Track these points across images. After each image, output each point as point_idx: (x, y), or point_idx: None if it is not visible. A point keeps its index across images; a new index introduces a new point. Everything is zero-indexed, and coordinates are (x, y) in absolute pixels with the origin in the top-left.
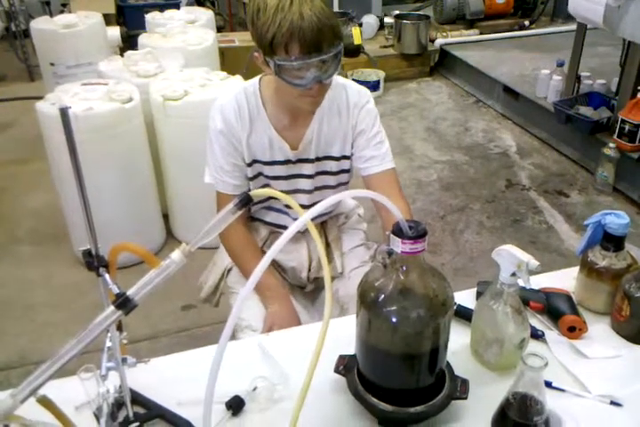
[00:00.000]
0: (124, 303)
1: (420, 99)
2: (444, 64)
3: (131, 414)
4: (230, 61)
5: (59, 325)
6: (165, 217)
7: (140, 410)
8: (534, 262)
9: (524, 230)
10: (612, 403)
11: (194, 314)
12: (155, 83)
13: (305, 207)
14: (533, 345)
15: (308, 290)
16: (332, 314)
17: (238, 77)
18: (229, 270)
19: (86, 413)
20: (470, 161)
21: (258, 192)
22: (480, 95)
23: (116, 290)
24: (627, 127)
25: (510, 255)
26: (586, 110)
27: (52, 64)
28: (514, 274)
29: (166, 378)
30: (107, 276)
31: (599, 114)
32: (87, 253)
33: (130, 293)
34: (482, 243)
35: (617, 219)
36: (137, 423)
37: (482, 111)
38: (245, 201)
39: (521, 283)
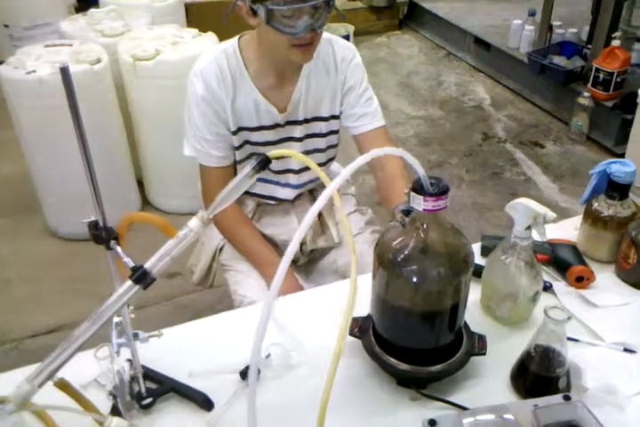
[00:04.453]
0: (142, 277)
1: (390, 53)
2: (412, 17)
3: (143, 390)
4: (195, 18)
5: (38, 299)
6: (140, 184)
7: (151, 385)
8: (551, 214)
9: (503, 183)
10: (626, 350)
11: (179, 281)
12: (123, 42)
13: (295, 172)
14: (542, 297)
15: (301, 263)
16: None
17: (211, 35)
18: (221, 249)
19: (93, 391)
20: (445, 115)
21: (276, 153)
22: (451, 48)
23: (131, 263)
24: (601, 76)
25: (526, 208)
26: (559, 60)
27: (6, 26)
28: (528, 227)
29: (173, 350)
30: (119, 249)
31: (573, 63)
32: (94, 226)
33: (147, 266)
34: (462, 197)
35: (623, 167)
36: (150, 399)
37: (453, 64)
38: (263, 163)
39: (535, 236)
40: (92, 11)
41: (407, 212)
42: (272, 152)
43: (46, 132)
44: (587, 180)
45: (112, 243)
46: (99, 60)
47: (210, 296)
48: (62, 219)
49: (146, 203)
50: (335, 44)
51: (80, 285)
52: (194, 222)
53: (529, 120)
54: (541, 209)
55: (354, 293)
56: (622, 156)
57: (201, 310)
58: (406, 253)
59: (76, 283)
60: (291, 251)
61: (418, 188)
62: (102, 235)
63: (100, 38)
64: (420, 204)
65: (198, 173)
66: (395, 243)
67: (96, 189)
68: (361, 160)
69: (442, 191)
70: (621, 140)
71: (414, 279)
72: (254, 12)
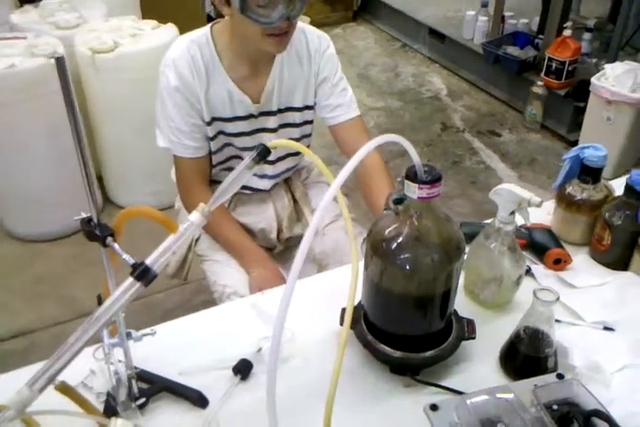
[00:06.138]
0: (143, 274)
1: (347, 45)
2: (367, 8)
3: (135, 391)
4: (151, 9)
5: (1, 304)
6: (99, 180)
7: (142, 385)
8: (536, 199)
9: (463, 172)
10: (605, 328)
11: None
12: (79, 35)
13: (271, 163)
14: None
15: (277, 251)
16: (310, 273)
17: (171, 26)
18: (197, 239)
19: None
20: (404, 106)
21: (276, 143)
22: (406, 39)
23: (131, 260)
24: (554, 65)
25: (510, 194)
26: (513, 50)
27: None
28: (512, 213)
29: (163, 348)
30: (116, 245)
31: (526, 53)
32: (87, 222)
33: (148, 262)
34: None
35: (596, 151)
36: (143, 399)
37: (409, 55)
38: (264, 153)
39: (519, 221)
40: (45, 2)
41: (399, 200)
42: (272, 142)
43: (1, 131)
44: (543, 167)
45: (109, 240)
46: (55, 54)
47: (180, 294)
48: (20, 219)
49: (106, 200)
50: (308, 34)
51: (42, 287)
52: (195, 216)
53: (485, 110)
54: (526, 194)
55: (354, 287)
56: (576, 143)
57: (170, 308)
58: (400, 241)
59: (38, 285)
60: (306, 241)
61: (412, 176)
62: (96, 232)
63: (55, 31)
64: (414, 192)
65: (160, 169)
66: (388, 231)
67: (90, 184)
68: (362, 152)
69: (436, 179)
70: (574, 127)
71: (408, 267)
72: (228, 2)
